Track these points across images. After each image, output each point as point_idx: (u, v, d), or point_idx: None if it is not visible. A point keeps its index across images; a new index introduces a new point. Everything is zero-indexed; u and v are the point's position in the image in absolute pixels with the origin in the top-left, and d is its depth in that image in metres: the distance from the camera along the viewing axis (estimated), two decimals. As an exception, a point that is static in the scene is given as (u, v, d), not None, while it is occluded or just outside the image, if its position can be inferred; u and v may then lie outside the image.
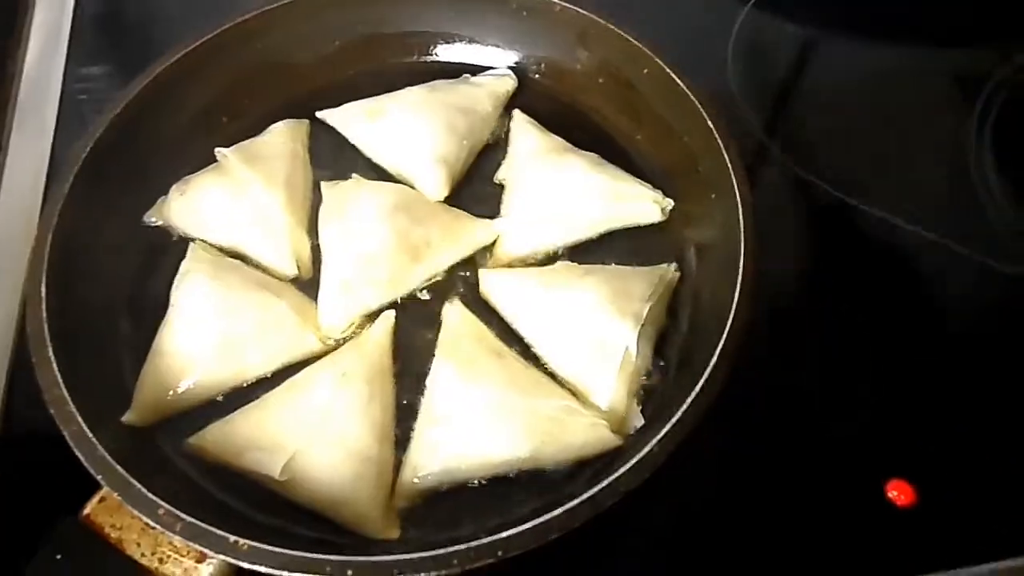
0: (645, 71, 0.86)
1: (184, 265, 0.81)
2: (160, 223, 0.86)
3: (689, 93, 0.81)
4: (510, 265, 0.83)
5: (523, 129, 0.90)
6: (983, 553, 0.72)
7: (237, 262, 0.83)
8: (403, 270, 0.80)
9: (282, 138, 0.89)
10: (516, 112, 0.92)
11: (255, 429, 0.72)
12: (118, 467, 0.63)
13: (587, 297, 0.75)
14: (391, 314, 0.79)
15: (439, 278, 0.82)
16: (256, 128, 0.91)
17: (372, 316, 0.80)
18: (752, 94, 1.03)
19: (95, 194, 0.80)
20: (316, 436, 0.70)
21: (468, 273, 0.83)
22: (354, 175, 0.87)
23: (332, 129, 0.93)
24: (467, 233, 0.84)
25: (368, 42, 0.96)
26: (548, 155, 0.86)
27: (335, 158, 0.91)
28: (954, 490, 0.75)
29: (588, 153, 0.87)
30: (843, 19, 1.12)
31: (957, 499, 0.75)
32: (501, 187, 0.88)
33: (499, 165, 0.90)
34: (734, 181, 0.75)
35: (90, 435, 0.64)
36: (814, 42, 1.11)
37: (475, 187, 0.89)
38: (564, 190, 0.84)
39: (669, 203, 0.84)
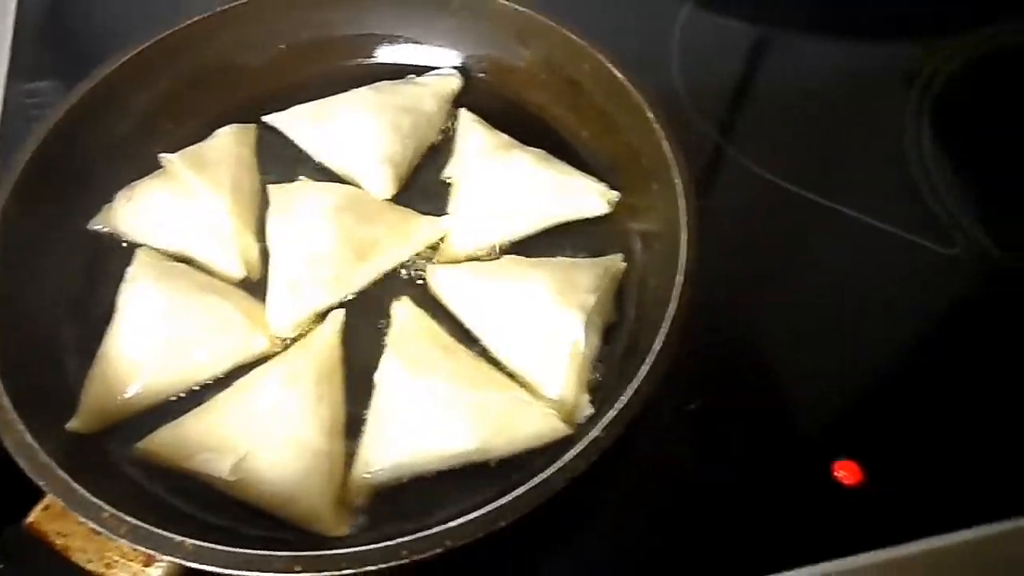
0: (586, 66, 0.87)
1: (130, 271, 0.80)
2: (106, 229, 0.85)
3: (628, 85, 0.82)
4: (458, 261, 0.83)
5: (469, 127, 0.91)
6: (928, 529, 0.73)
7: (184, 266, 0.82)
8: (350, 269, 0.80)
9: (228, 142, 0.89)
10: (462, 111, 0.93)
11: (204, 431, 0.71)
12: (60, 472, 0.62)
13: (534, 289, 0.76)
14: (340, 313, 0.79)
15: (388, 276, 0.82)
16: (203, 133, 0.90)
17: (321, 316, 0.80)
18: (696, 91, 1.04)
19: (38, 199, 0.79)
20: (265, 436, 0.70)
21: (418, 271, 0.83)
22: (301, 177, 0.88)
23: (279, 132, 0.93)
24: (414, 231, 0.84)
25: (313, 45, 0.96)
26: (494, 152, 0.87)
27: (283, 161, 0.91)
28: (900, 469, 0.76)
29: (534, 149, 0.88)
30: (784, 16, 1.14)
31: (903, 478, 0.76)
32: (448, 185, 0.89)
33: (446, 163, 0.91)
34: (673, 169, 0.76)
35: (31, 441, 0.63)
36: (756, 38, 1.13)
37: (422, 185, 0.89)
38: (510, 186, 0.85)
39: (615, 195, 0.85)
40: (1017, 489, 0.75)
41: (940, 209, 0.94)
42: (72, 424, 0.72)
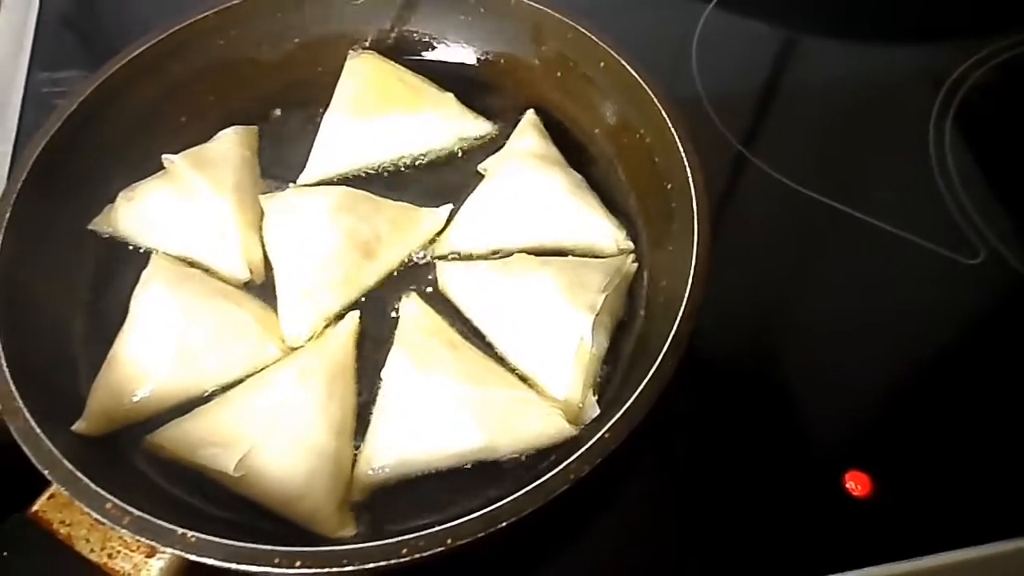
0: (601, 64, 0.86)
1: (145, 274, 0.79)
2: (108, 230, 0.84)
3: (642, 83, 0.81)
4: (454, 255, 0.83)
5: (527, 130, 0.89)
6: (938, 543, 0.71)
7: (199, 272, 0.81)
8: (357, 269, 0.80)
9: (231, 143, 0.88)
10: (529, 112, 0.91)
11: (212, 425, 0.71)
12: (65, 461, 0.62)
13: (543, 287, 0.75)
14: (355, 315, 0.79)
15: (397, 274, 0.82)
16: (215, 130, 0.89)
17: (335, 319, 0.79)
18: (717, 95, 1.03)
19: (50, 195, 0.79)
20: (272, 432, 0.69)
21: (428, 268, 0.82)
22: (291, 185, 0.87)
23: (282, 135, 0.92)
24: (415, 224, 0.84)
25: (329, 40, 0.95)
26: (535, 160, 0.85)
27: (283, 165, 0.90)
28: (910, 481, 0.75)
29: (574, 173, 0.86)
30: (807, 19, 1.13)
31: (913, 490, 0.74)
32: (480, 177, 0.87)
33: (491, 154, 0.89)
34: (687, 167, 0.75)
35: (37, 431, 0.64)
36: (778, 41, 1.11)
37: (458, 167, 0.89)
38: (531, 199, 0.83)
39: (629, 245, 0.82)
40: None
41: (964, 218, 0.92)
42: (78, 426, 0.71)
